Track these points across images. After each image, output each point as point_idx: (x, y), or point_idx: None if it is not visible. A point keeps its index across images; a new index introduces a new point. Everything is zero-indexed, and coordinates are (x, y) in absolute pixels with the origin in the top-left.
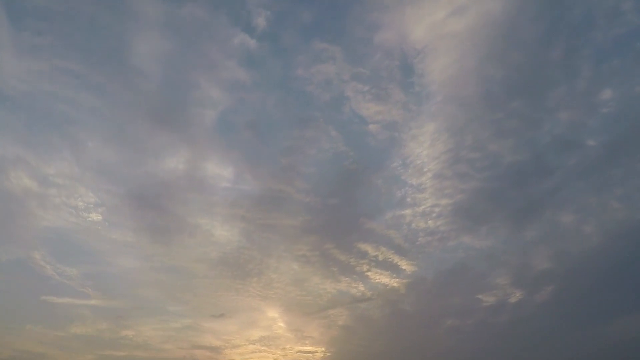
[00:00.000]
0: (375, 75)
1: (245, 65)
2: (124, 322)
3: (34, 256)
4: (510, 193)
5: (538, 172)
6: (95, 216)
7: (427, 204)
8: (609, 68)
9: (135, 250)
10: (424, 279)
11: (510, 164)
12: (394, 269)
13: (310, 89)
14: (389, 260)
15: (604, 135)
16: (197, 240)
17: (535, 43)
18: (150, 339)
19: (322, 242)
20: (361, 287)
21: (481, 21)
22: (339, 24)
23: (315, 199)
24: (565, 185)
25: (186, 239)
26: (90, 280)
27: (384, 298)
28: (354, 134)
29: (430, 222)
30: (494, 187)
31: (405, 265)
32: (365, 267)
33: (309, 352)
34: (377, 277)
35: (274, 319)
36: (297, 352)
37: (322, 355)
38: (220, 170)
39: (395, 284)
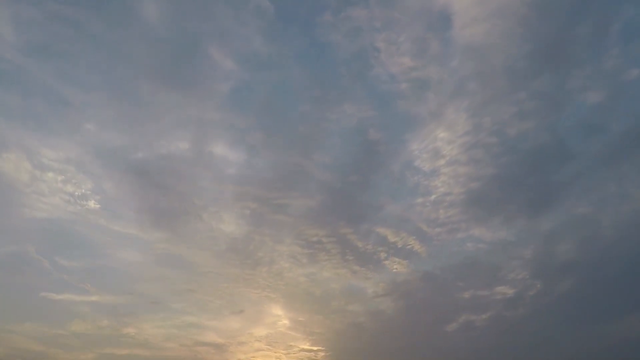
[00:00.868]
0: (412, 23)
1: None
2: (125, 319)
3: (28, 249)
4: (528, 180)
5: (558, 158)
6: (94, 204)
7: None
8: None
9: (137, 241)
10: (439, 269)
11: (529, 150)
12: (412, 257)
13: (337, 39)
14: (408, 247)
15: (631, 119)
16: (204, 225)
17: (563, 16)
18: (152, 337)
19: (340, 226)
20: (377, 278)
21: None
22: None
23: (334, 175)
24: (586, 173)
25: (192, 222)
26: (90, 275)
27: (399, 291)
28: (382, 94)
29: (441, 211)
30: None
31: (424, 253)
32: (383, 255)
33: (313, 350)
34: (395, 266)
35: (279, 316)
36: (299, 350)
37: (327, 354)
38: (230, 143)
39: (411, 277)
